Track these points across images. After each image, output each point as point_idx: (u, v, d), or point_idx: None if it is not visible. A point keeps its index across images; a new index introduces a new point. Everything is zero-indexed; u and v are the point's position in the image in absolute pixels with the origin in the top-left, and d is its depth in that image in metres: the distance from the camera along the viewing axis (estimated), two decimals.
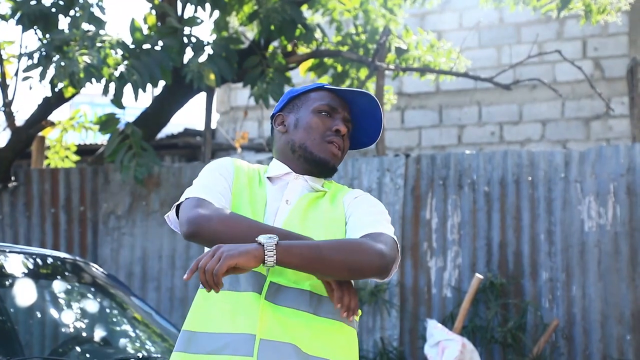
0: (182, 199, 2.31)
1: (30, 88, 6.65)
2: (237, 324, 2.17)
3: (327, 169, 2.39)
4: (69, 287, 4.06)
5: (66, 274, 4.05)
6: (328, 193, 2.40)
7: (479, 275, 5.88)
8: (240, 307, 2.19)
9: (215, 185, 2.32)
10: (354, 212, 2.33)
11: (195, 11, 7.04)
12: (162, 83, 6.83)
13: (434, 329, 5.73)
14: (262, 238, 2.10)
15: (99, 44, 6.23)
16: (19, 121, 7.41)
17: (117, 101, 6.53)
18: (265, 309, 2.17)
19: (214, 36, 7.22)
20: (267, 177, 2.41)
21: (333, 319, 2.23)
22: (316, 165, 2.38)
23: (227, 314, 2.19)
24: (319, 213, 2.32)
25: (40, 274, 3.99)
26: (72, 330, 3.94)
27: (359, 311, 2.31)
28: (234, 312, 2.19)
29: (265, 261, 2.08)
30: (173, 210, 2.35)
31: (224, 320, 2.19)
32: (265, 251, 2.08)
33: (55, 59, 6.17)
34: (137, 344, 3.93)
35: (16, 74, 7.07)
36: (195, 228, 2.19)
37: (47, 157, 8.23)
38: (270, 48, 7.28)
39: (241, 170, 2.40)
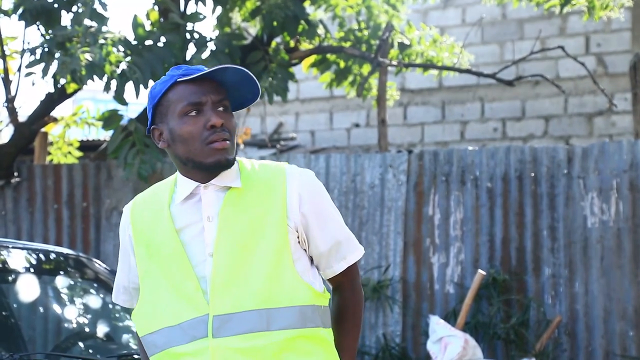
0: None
1: (33, 84, 6.65)
2: None
3: (222, 167, 2.17)
4: (72, 282, 4.06)
5: (69, 269, 4.06)
6: (250, 184, 2.19)
7: (481, 272, 5.88)
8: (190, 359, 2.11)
9: (119, 281, 2.40)
10: (315, 220, 2.19)
11: (197, 6, 7.04)
12: None
13: (437, 325, 5.73)
14: None
15: (101, 41, 6.23)
16: (22, 117, 7.41)
17: (119, 98, 6.53)
18: (215, 350, 2.09)
19: (217, 32, 7.22)
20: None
21: (287, 328, 2.11)
22: (212, 170, 2.17)
23: None
24: (251, 220, 2.16)
25: (43, 270, 3.99)
26: (75, 325, 3.94)
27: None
28: None
29: None
30: None
31: None
32: None
33: (57, 55, 6.17)
34: None
35: (19, 70, 7.07)
36: None
37: (50, 153, 8.23)
38: (273, 44, 7.27)
39: (140, 217, 2.26)
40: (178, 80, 2.16)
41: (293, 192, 2.18)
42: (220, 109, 2.17)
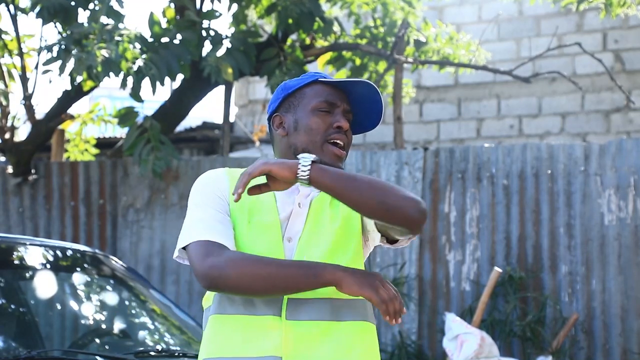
0: (185, 237, 2.21)
1: (50, 81, 6.68)
2: (261, 347, 2.14)
3: None
4: (89, 279, 4.08)
5: (86, 266, 4.07)
6: None
7: (497, 269, 5.86)
8: (261, 331, 2.15)
9: (215, 216, 2.21)
10: None
11: (213, 4, 7.04)
12: (180, 76, 6.83)
13: (453, 323, 5.72)
14: (300, 156, 2.14)
15: (117, 38, 6.25)
16: (39, 114, 7.44)
17: (135, 95, 6.55)
18: (287, 330, 2.14)
19: (233, 29, 7.23)
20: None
21: (355, 320, 2.20)
22: None
23: (249, 339, 2.15)
24: (338, 213, 2.27)
25: (60, 267, 4.01)
26: (91, 322, 3.95)
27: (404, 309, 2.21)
28: (257, 336, 2.15)
29: (299, 175, 2.10)
30: (179, 250, 2.25)
31: (247, 345, 2.15)
32: (300, 165, 2.10)
33: (74, 52, 6.20)
34: (156, 337, 3.95)
35: (36, 67, 7.11)
36: (213, 283, 2.13)
37: (66, 150, 8.27)
38: (289, 41, 7.27)
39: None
40: (319, 79, 2.32)
41: None
42: (346, 119, 2.32)
